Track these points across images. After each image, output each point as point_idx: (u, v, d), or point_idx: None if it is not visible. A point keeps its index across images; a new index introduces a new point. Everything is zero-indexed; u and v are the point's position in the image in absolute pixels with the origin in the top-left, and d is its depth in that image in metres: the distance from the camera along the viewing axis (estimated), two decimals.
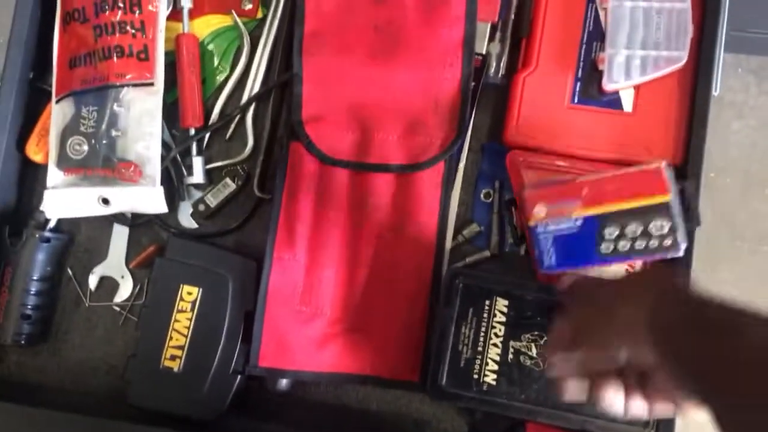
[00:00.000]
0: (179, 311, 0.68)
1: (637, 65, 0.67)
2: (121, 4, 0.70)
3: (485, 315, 0.66)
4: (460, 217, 0.73)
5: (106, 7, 0.70)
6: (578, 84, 0.69)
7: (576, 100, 0.69)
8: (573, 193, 0.64)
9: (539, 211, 0.64)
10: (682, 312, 0.43)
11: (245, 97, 0.75)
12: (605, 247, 0.64)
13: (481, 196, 0.73)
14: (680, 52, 0.66)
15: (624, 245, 0.63)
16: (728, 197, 1.46)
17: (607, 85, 0.67)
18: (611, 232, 0.63)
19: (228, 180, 0.74)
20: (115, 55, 0.70)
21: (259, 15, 0.75)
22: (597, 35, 0.69)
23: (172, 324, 0.68)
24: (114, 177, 0.71)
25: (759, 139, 1.47)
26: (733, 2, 1.08)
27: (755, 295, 1.43)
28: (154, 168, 0.71)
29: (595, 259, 0.64)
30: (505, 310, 0.66)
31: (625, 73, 0.67)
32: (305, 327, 0.69)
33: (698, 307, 0.43)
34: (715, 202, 1.46)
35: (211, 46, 0.76)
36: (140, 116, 0.71)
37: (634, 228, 0.62)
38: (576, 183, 0.64)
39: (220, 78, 0.75)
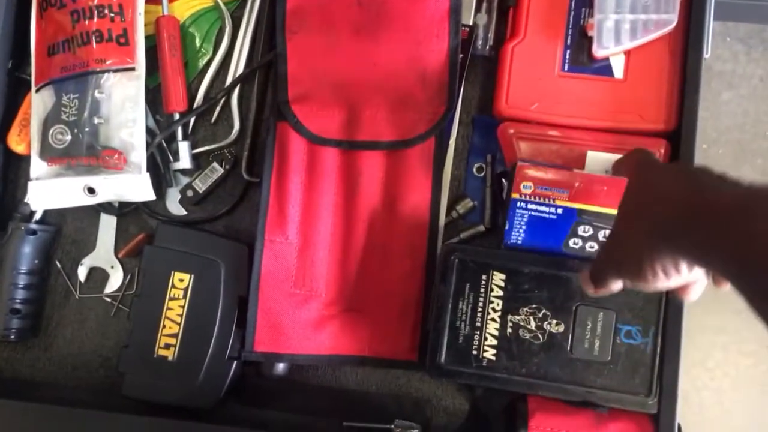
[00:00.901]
0: (171, 299, 0.67)
1: (626, 30, 0.65)
2: None
3: (482, 290, 0.65)
4: (452, 192, 0.72)
5: None
6: (568, 52, 0.68)
7: (566, 68, 0.68)
8: (564, 183, 0.63)
9: (527, 187, 0.63)
10: (685, 215, 0.43)
11: (229, 79, 0.73)
12: (573, 243, 0.64)
13: (474, 170, 0.72)
14: (670, 15, 0.65)
15: (591, 247, 0.64)
16: (722, 168, 1.44)
17: (598, 51, 0.66)
18: (585, 230, 0.63)
19: (215, 164, 0.72)
20: (94, 40, 0.68)
21: None
22: (585, 1, 0.68)
23: (164, 312, 0.67)
24: (99, 165, 0.69)
25: (750, 107, 1.46)
26: None
27: None
28: (139, 155, 0.69)
29: (559, 251, 0.65)
30: (502, 284, 0.65)
31: (615, 39, 0.66)
32: (300, 310, 0.68)
33: (696, 202, 0.43)
34: None
35: (192, 28, 0.74)
36: (122, 102, 0.69)
37: (606, 234, 0.62)
38: (571, 173, 0.64)
39: (203, 60, 0.74)
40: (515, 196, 0.64)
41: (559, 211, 0.64)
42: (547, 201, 0.64)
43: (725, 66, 1.49)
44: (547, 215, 0.64)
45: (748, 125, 1.49)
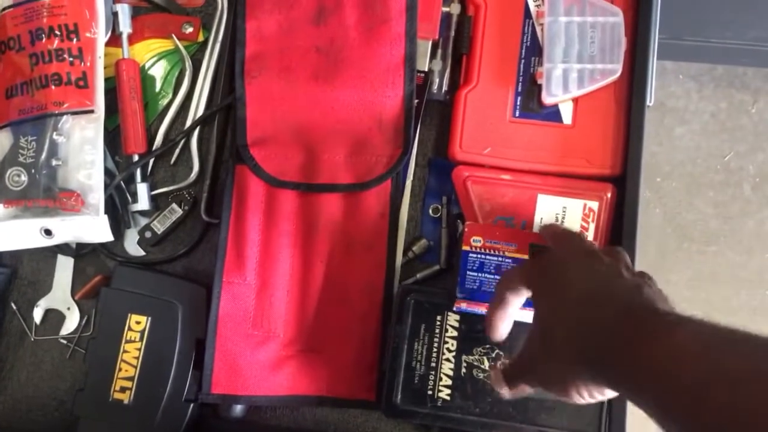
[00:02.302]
0: (128, 341, 0.67)
1: (574, 78, 0.68)
2: (57, 32, 0.69)
3: (437, 330, 0.67)
4: (409, 233, 0.73)
5: (42, 35, 0.69)
6: (519, 98, 0.70)
7: (517, 114, 0.70)
8: (515, 238, 0.65)
9: (476, 241, 0.65)
10: (615, 351, 0.43)
11: (189, 121, 0.74)
12: None
13: (430, 211, 0.74)
14: (615, 65, 0.68)
15: None
16: (675, 200, 1.50)
17: (546, 99, 0.68)
18: None
19: (174, 205, 0.73)
20: (52, 83, 0.68)
21: (201, 38, 0.75)
22: (535, 50, 0.71)
23: (120, 355, 0.67)
24: (56, 207, 0.69)
25: (702, 142, 1.52)
26: (668, 12, 1.12)
27: (707, 295, 1.47)
28: (97, 196, 0.69)
29: None
30: (456, 324, 0.67)
31: (563, 87, 0.68)
32: (258, 351, 0.69)
33: (628, 336, 0.42)
34: (663, 205, 1.50)
35: (152, 71, 0.75)
36: (81, 144, 0.69)
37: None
38: (517, 232, 0.66)
39: (163, 102, 0.75)
40: (465, 248, 0.65)
41: (508, 261, 0.65)
42: (496, 252, 0.65)
43: (678, 102, 1.55)
44: (497, 264, 0.66)
45: (700, 159, 1.55)
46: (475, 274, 0.65)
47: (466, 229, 0.66)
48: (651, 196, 1.50)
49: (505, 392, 0.53)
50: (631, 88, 0.69)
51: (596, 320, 0.45)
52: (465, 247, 0.65)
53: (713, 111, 1.53)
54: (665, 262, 1.48)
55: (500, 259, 0.65)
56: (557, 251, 0.56)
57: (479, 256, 0.65)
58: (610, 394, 0.46)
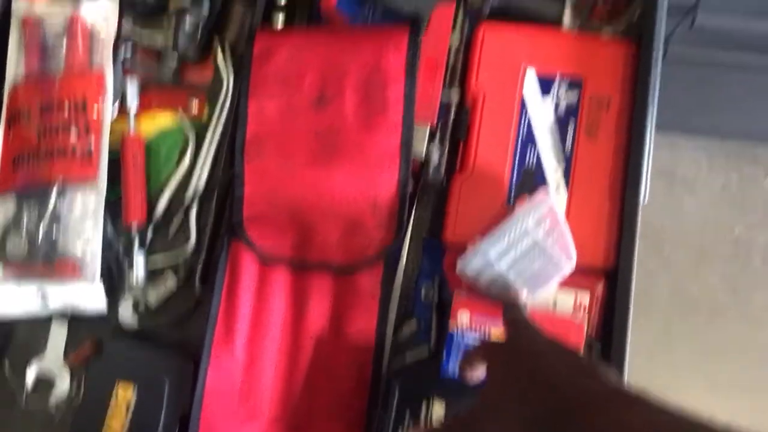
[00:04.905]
0: (113, 414, 0.68)
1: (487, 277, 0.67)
2: (66, 107, 0.71)
3: (422, 417, 0.66)
4: (400, 312, 0.73)
5: (52, 108, 0.71)
6: (513, 188, 0.71)
7: (512, 203, 0.71)
8: (499, 315, 0.65)
9: (463, 317, 0.65)
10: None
11: (189, 194, 0.76)
12: None
13: (422, 291, 0.74)
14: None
15: None
16: (682, 271, 1.49)
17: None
18: None
19: (170, 276, 0.74)
20: (58, 155, 0.71)
21: (205, 114, 0.77)
22: (531, 138, 0.72)
23: (104, 428, 0.67)
24: (53, 274, 0.71)
25: (711, 213, 1.52)
26: (676, 90, 1.13)
27: (714, 368, 1.45)
28: (94, 265, 0.71)
29: None
30: (441, 411, 0.67)
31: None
32: (243, 427, 0.69)
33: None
34: (670, 276, 1.48)
35: (157, 143, 0.77)
36: (82, 215, 0.71)
37: None
38: None
39: (165, 175, 0.76)
40: (452, 328, 0.66)
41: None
42: (483, 331, 0.65)
43: (688, 172, 1.55)
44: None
45: (709, 230, 1.55)
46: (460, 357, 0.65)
47: (453, 301, 0.66)
48: (657, 266, 1.49)
49: None
50: (625, 185, 0.69)
51: (548, 391, 0.45)
52: (451, 326, 0.66)
53: (724, 183, 1.53)
54: (671, 333, 1.46)
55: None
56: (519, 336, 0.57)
57: (465, 338, 0.65)
58: None
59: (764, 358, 1.43)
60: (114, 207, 0.75)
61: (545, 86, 0.72)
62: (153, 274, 0.75)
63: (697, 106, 1.19)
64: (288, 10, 0.78)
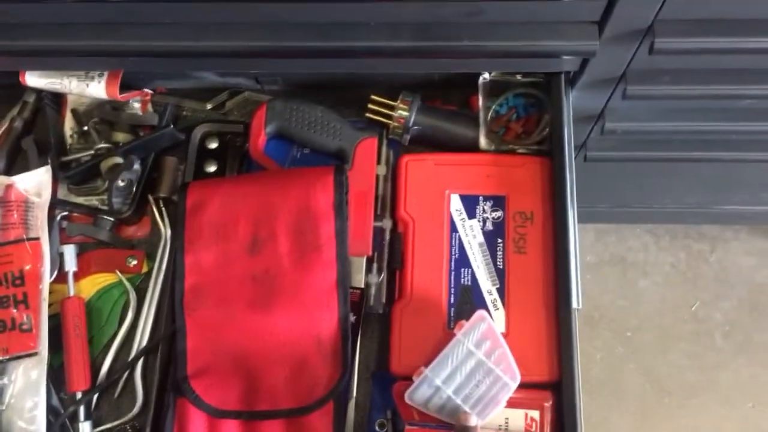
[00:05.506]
0: None
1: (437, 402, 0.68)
2: (2, 281, 0.71)
3: None
4: None
5: None
6: (452, 309, 0.73)
7: (452, 327, 0.72)
8: None
9: None
10: None
11: (133, 352, 0.75)
12: None
13: (376, 426, 0.73)
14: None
15: None
16: (649, 354, 1.49)
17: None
18: None
19: None
20: None
21: (145, 269, 0.78)
22: (463, 261, 0.74)
23: None
24: None
25: (667, 293, 1.54)
26: (610, 185, 1.18)
27: None
28: None
29: None
30: None
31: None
32: None
33: None
34: (638, 360, 1.49)
35: (98, 304, 0.77)
36: (24, 389, 0.70)
37: None
38: None
39: (108, 335, 0.76)
40: None
41: None
42: None
43: (638, 256, 1.59)
44: None
45: (668, 310, 1.56)
46: None
47: None
48: (624, 351, 1.49)
49: None
50: (557, 293, 0.71)
51: None
52: None
53: (673, 262, 1.57)
54: (646, 419, 1.44)
55: None
56: None
57: None
58: None
59: None
60: (58, 373, 0.74)
61: (470, 208, 0.75)
62: None
63: (631, 197, 1.23)
64: (219, 157, 0.81)
